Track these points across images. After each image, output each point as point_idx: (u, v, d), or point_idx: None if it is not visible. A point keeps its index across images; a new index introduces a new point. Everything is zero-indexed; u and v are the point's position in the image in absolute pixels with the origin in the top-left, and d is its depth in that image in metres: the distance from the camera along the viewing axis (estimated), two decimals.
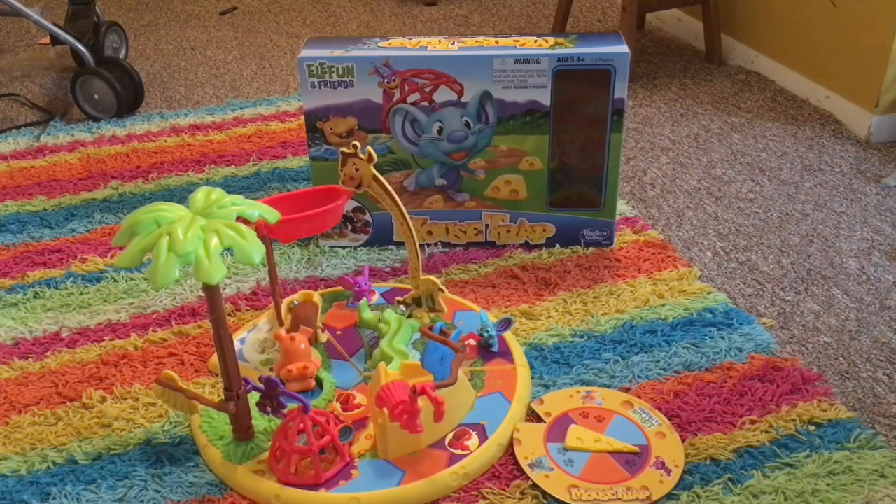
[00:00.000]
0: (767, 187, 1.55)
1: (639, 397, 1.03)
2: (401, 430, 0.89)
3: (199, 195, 0.85)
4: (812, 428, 0.98)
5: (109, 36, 2.14)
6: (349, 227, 1.35)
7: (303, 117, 1.47)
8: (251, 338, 1.12)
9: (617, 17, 2.49)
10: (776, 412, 1.00)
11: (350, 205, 1.31)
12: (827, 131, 1.76)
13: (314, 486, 0.90)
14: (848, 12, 1.75)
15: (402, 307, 1.13)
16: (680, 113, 1.86)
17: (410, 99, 1.24)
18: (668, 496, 0.90)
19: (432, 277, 1.09)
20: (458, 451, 0.94)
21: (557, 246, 1.34)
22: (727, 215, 1.46)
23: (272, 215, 0.89)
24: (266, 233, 0.91)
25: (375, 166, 1.04)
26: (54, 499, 0.92)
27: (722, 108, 1.88)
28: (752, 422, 0.99)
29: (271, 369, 1.06)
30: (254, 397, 0.92)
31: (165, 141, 1.74)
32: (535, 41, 1.24)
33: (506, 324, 1.10)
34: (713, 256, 1.34)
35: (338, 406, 1.00)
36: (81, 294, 1.26)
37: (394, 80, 1.23)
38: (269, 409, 0.91)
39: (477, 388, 1.03)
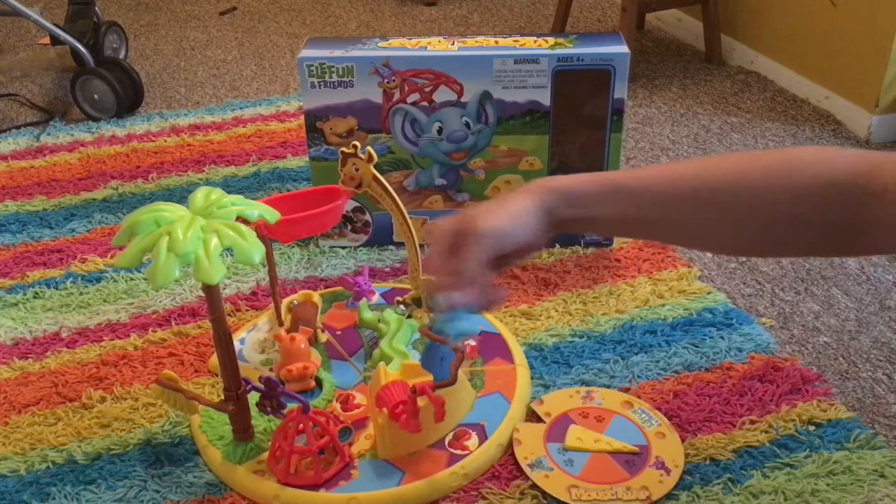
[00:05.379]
0: None
1: (639, 397, 1.03)
2: (400, 430, 0.89)
3: (199, 195, 0.85)
4: (812, 428, 0.98)
5: (109, 36, 2.14)
6: (349, 227, 1.35)
7: (302, 117, 1.47)
8: (251, 338, 1.12)
9: (617, 17, 2.48)
10: (776, 412, 1.00)
11: (350, 205, 1.31)
12: (827, 131, 1.76)
13: (314, 487, 0.90)
14: (848, 12, 1.75)
15: (402, 307, 1.13)
16: (680, 113, 1.86)
17: (410, 99, 1.24)
18: (668, 496, 0.90)
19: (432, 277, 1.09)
20: (458, 451, 0.94)
21: (557, 246, 1.34)
22: None
23: (272, 215, 0.89)
24: (266, 233, 0.91)
25: (375, 166, 1.04)
26: (54, 499, 0.92)
27: (722, 108, 1.88)
28: (752, 422, 0.99)
29: (271, 369, 1.06)
30: (254, 397, 0.92)
31: (165, 141, 1.74)
32: (535, 41, 1.24)
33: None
34: (713, 256, 1.34)
35: (338, 406, 1.00)
36: (81, 294, 1.26)
37: (394, 80, 1.23)
38: (269, 409, 0.90)
39: (477, 388, 1.03)
